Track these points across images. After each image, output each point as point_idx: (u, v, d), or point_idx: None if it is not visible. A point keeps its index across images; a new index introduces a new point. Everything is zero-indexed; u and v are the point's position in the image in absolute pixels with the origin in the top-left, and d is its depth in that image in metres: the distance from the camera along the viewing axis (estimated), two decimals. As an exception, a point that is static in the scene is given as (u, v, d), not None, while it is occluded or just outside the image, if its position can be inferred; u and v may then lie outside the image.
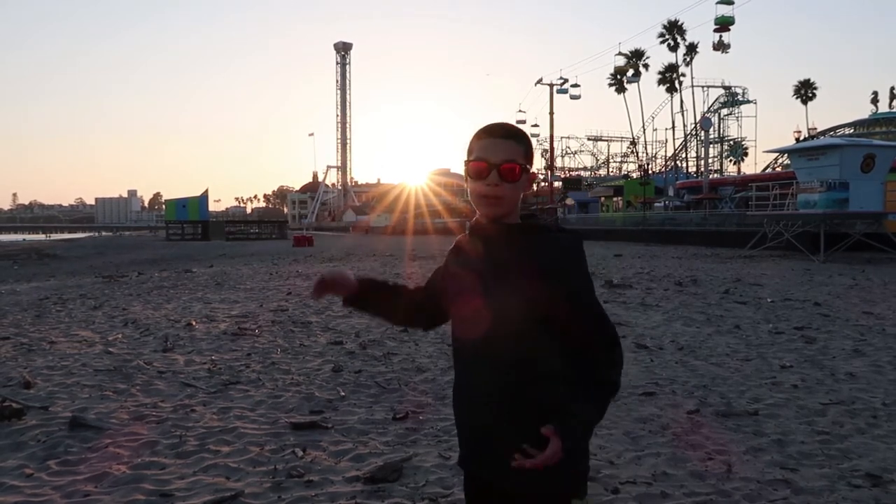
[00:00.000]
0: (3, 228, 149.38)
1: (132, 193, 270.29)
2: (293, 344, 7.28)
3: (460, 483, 3.49)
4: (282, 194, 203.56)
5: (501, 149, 1.57)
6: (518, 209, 1.64)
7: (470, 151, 1.63)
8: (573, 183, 67.06)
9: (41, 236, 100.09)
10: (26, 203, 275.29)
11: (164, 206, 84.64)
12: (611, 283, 12.92)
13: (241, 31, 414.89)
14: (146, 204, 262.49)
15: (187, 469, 3.74)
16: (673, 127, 71.82)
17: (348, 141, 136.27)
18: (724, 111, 73.25)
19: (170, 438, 4.22)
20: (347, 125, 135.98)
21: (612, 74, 72.43)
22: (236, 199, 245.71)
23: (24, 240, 77.16)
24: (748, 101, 73.01)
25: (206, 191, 64.99)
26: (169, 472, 3.70)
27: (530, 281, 1.51)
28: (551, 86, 58.85)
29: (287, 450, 4.02)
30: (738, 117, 74.45)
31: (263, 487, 3.48)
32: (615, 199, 55.27)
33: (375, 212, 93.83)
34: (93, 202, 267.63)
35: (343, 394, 5.24)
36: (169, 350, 6.97)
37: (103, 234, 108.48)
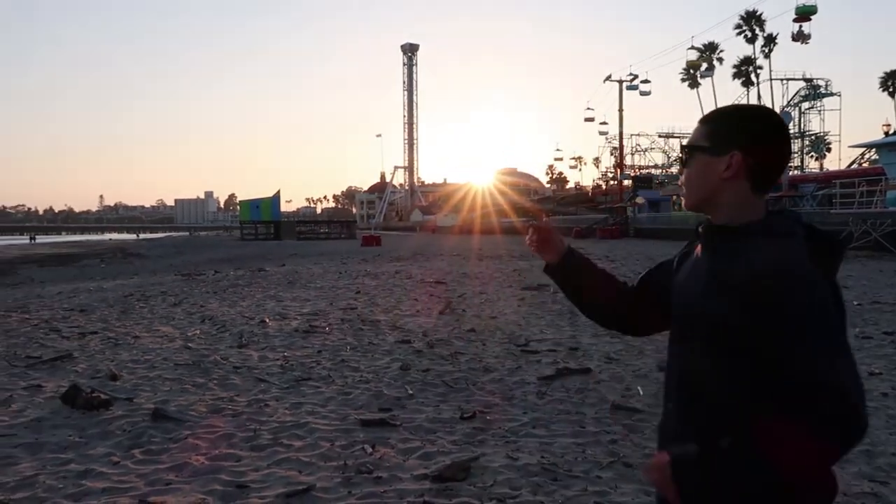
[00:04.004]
0: (91, 229, 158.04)
1: (209, 195, 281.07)
2: (362, 342, 7.39)
3: (529, 485, 3.47)
4: (350, 194, 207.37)
5: (692, 135, 1.40)
6: (734, 204, 1.33)
7: None
8: (644, 181, 65.46)
9: (129, 236, 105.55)
10: (112, 205, 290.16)
11: (238, 207, 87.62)
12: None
13: (309, 34, 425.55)
14: (222, 205, 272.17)
15: (261, 462, 3.85)
16: (749, 122, 69.09)
17: (415, 141, 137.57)
18: (806, 105, 69.93)
19: (245, 432, 4.36)
20: (414, 125, 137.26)
21: (684, 69, 70.45)
22: (307, 199, 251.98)
23: (110, 239, 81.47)
24: (831, 94, 69.45)
25: (278, 192, 66.91)
26: (244, 464, 3.82)
27: (719, 303, 1.25)
28: (620, 82, 57.72)
29: (356, 446, 4.08)
30: (820, 111, 70.90)
31: (334, 482, 3.54)
32: (688, 197, 53.64)
33: (442, 211, 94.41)
34: (172, 203, 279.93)
35: (411, 392, 5.28)
36: (244, 346, 7.19)
37: (194, 233, 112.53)
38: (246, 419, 4.62)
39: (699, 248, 1.41)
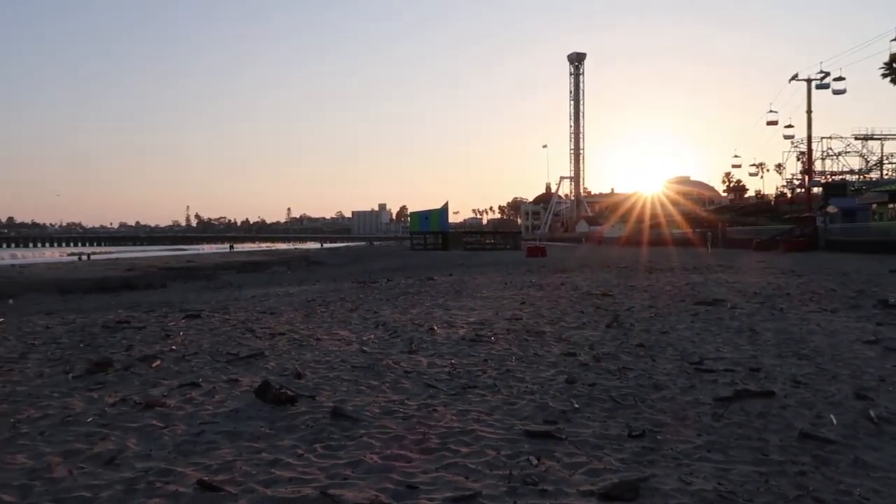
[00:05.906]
0: (280, 238, 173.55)
1: (382, 207, 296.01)
2: (527, 353, 7.40)
3: (704, 511, 3.28)
4: (515, 205, 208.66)
5: None
6: None
7: None
8: (836, 188, 59.33)
9: (314, 245, 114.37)
10: (297, 216, 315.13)
11: (409, 218, 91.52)
12: (886, 303, 11.20)
13: (476, 45, 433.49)
14: (394, 216, 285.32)
15: (430, 465, 3.98)
16: (971, 119, 60.19)
17: (581, 151, 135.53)
18: None
19: (415, 434, 4.53)
20: (580, 135, 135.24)
21: (885, 63, 62.92)
22: (473, 210, 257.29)
23: (295, 248, 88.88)
24: None
25: (446, 203, 69.01)
26: (414, 465, 3.98)
27: None
28: (809, 81, 52.96)
29: (522, 456, 4.09)
30: None
31: (500, 491, 3.58)
32: (891, 205, 47.84)
33: (609, 222, 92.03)
34: (350, 215, 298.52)
35: (577, 406, 5.20)
36: (414, 352, 7.49)
37: (375, 243, 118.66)
38: (416, 422, 4.81)
39: None
